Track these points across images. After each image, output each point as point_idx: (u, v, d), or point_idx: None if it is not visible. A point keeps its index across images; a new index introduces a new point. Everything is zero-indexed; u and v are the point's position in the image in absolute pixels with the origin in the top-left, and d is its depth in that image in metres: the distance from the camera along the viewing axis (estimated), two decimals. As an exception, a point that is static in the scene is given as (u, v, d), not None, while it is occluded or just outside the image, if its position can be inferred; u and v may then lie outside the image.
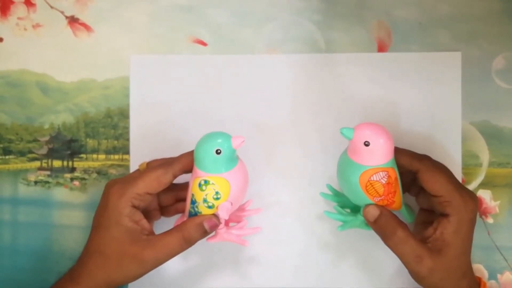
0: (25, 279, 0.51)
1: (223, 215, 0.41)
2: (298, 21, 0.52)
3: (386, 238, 0.42)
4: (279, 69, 0.51)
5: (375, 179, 0.41)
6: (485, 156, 0.51)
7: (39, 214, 0.52)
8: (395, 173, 0.42)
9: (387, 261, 0.50)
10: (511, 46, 0.51)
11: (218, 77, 0.52)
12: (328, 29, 0.52)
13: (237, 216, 0.46)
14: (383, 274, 0.50)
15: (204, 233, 0.42)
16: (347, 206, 0.47)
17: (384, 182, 0.41)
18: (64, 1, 0.53)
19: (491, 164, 0.51)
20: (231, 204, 0.41)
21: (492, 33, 0.51)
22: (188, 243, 0.42)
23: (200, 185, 0.41)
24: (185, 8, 0.52)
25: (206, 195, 0.41)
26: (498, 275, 0.50)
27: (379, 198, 0.42)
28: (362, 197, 0.42)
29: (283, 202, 0.51)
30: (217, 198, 0.41)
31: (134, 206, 0.42)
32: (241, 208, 0.46)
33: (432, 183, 0.41)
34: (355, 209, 0.47)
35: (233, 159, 0.41)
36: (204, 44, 0.52)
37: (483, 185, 0.51)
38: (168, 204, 0.46)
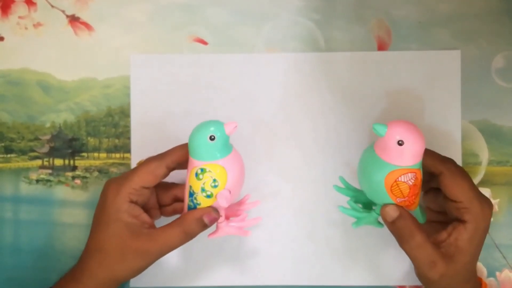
0: (27, 277, 0.52)
1: (223, 203, 0.41)
2: (298, 20, 0.52)
3: (403, 241, 0.41)
4: (279, 68, 0.52)
5: (402, 180, 0.40)
6: (484, 155, 0.51)
7: (41, 212, 0.52)
8: (421, 175, 0.41)
9: (391, 258, 0.50)
10: (510, 45, 0.51)
11: (218, 76, 0.52)
12: (327, 28, 0.52)
13: (236, 210, 0.46)
14: (387, 270, 0.50)
15: (204, 227, 0.42)
16: (359, 201, 0.46)
17: (411, 183, 0.40)
18: (64, 0, 0.53)
19: (490, 162, 0.51)
20: (230, 192, 0.41)
21: (492, 32, 0.51)
22: (189, 236, 0.42)
23: (197, 174, 0.41)
24: (186, 7, 0.53)
25: (203, 183, 0.41)
26: (497, 273, 0.51)
27: (402, 199, 0.41)
28: (383, 196, 0.41)
29: (284, 200, 0.51)
30: (215, 186, 0.41)
31: (132, 202, 0.42)
32: (240, 202, 0.46)
33: (454, 188, 0.41)
34: (367, 205, 0.45)
35: (228, 146, 0.42)
36: (204, 43, 0.52)
37: (482, 183, 0.51)
38: (167, 203, 0.47)
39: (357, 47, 0.52)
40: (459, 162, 0.50)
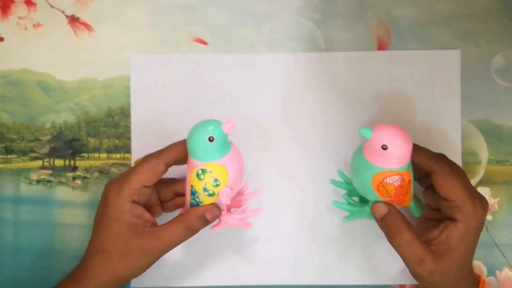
0: (28, 277, 0.51)
1: (225, 200, 0.41)
2: (298, 20, 0.52)
3: (391, 237, 0.42)
4: (279, 68, 0.52)
5: (388, 181, 0.40)
6: (484, 154, 0.51)
7: (41, 213, 0.52)
8: (409, 176, 0.41)
9: (391, 257, 0.50)
10: (510, 45, 0.51)
11: (218, 76, 0.52)
12: (327, 28, 0.52)
13: (237, 201, 0.46)
14: (387, 269, 0.51)
15: (206, 223, 0.42)
16: (356, 195, 0.47)
17: (397, 185, 0.41)
18: (64, 0, 0.53)
19: (490, 161, 0.51)
20: (231, 188, 0.42)
21: (491, 31, 0.51)
22: (192, 232, 0.42)
23: (197, 174, 0.41)
24: (185, 7, 0.53)
25: (205, 183, 0.41)
26: (497, 272, 0.51)
27: (389, 198, 0.42)
28: (372, 195, 0.42)
29: (284, 199, 0.51)
30: (217, 185, 0.41)
31: (134, 202, 0.42)
32: (240, 193, 0.46)
33: (446, 187, 0.41)
34: (363, 199, 0.46)
35: (226, 144, 0.42)
36: (204, 43, 0.52)
37: (482, 182, 0.51)
38: (168, 199, 0.47)
39: (357, 47, 0.52)
40: (459, 161, 0.51)
